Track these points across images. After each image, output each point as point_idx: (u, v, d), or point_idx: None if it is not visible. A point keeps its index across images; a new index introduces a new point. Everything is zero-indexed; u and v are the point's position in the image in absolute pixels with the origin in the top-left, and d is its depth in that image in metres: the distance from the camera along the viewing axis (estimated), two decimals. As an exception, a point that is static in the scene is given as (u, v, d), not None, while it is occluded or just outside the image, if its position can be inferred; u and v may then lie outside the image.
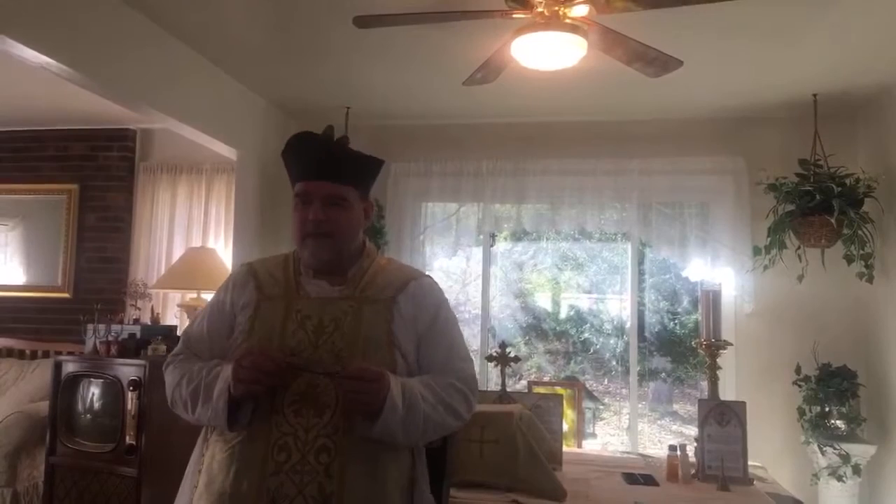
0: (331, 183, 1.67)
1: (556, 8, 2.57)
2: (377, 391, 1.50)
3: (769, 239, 4.03)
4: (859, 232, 3.82)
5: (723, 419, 2.99)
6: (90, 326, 3.72)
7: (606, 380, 6.54)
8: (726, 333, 3.89)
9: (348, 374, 1.51)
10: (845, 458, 3.72)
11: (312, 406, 1.54)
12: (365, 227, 1.79)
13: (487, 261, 5.05)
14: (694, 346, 3.48)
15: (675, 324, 6.41)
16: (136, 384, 3.40)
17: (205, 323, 1.78)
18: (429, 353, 1.71)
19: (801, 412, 3.96)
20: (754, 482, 2.94)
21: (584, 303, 6.71)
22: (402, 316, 1.68)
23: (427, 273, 1.85)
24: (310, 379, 1.55)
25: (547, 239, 6.11)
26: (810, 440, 3.87)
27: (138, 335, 3.70)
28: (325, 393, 1.55)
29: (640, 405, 5.40)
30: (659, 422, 6.49)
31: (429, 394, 1.60)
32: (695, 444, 3.09)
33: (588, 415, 5.86)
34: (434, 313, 1.74)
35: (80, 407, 3.58)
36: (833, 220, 3.75)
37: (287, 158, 1.74)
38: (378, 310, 1.66)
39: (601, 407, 6.45)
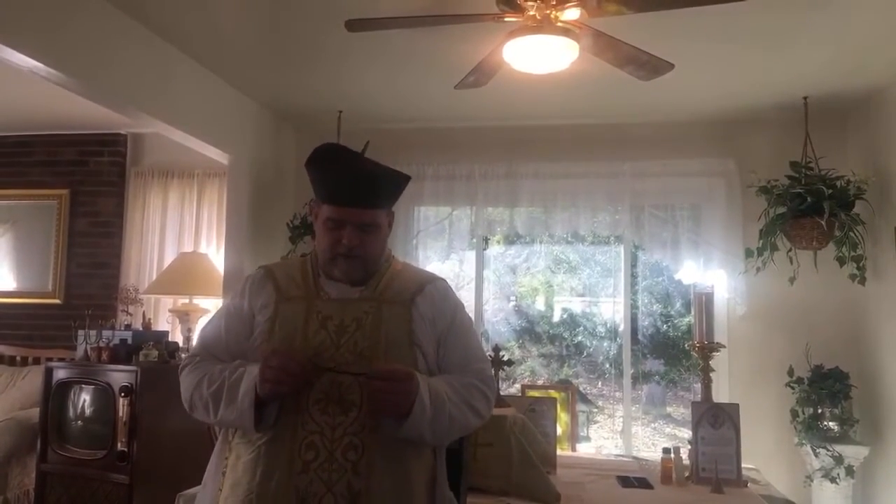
0: (365, 210, 1.66)
1: (548, 11, 2.57)
2: (407, 392, 1.51)
3: (761, 241, 4.04)
4: (850, 234, 3.83)
5: (716, 421, 2.99)
6: (81, 332, 3.71)
7: (600, 383, 6.55)
8: (719, 336, 3.91)
9: (377, 374, 1.52)
10: (838, 459, 3.73)
11: (338, 404, 1.55)
12: (388, 235, 1.79)
13: (480, 264, 5.05)
14: (687, 348, 3.48)
15: (668, 326, 6.42)
16: (127, 390, 3.38)
17: (222, 325, 1.77)
18: (448, 353, 1.73)
19: (794, 414, 3.97)
20: (748, 484, 2.94)
21: (578, 306, 6.72)
22: (422, 317, 1.69)
23: (441, 277, 1.87)
24: (333, 377, 1.56)
25: (540, 242, 6.12)
26: (803, 442, 3.88)
27: (129, 341, 3.68)
28: (349, 391, 1.55)
29: (633, 408, 5.41)
30: (653, 424, 6.49)
31: (453, 394, 1.62)
32: (688, 446, 3.09)
33: (582, 418, 5.86)
34: (452, 315, 1.77)
35: (71, 413, 3.55)
36: (824, 223, 3.76)
37: (315, 173, 1.70)
38: (397, 311, 1.68)
39: (595, 410, 6.46)
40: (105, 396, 3.45)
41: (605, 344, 6.39)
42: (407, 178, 1.76)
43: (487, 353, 3.24)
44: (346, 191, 1.65)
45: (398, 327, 1.66)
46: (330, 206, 1.67)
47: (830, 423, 3.88)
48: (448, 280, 1.87)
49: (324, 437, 1.53)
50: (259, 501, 1.52)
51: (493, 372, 1.85)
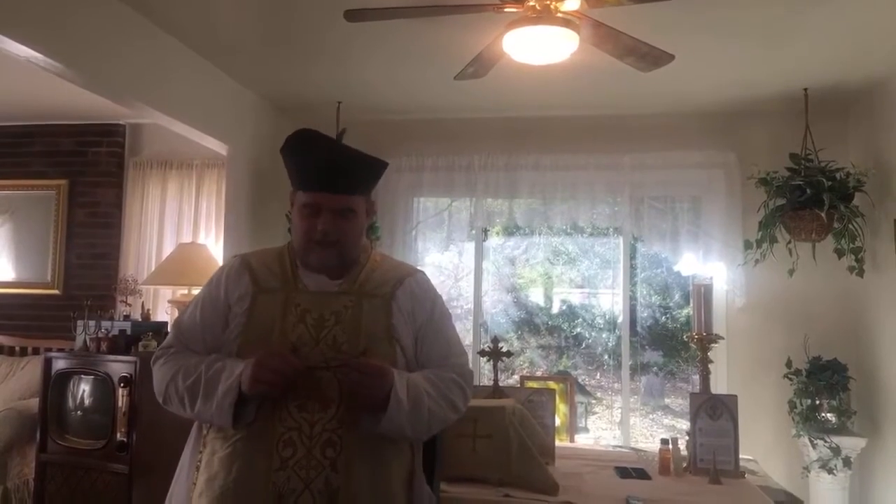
0: (341, 195, 1.65)
1: (548, 2, 2.56)
2: (380, 386, 1.51)
3: (760, 233, 4.04)
4: (850, 226, 3.84)
5: (714, 413, 2.99)
6: (80, 323, 3.70)
7: (599, 374, 6.56)
8: (718, 327, 3.91)
9: (353, 366, 1.52)
10: (836, 450, 3.74)
11: (316, 401, 1.54)
12: (367, 224, 1.79)
13: (480, 255, 5.04)
14: (685, 339, 3.48)
15: (667, 318, 6.43)
16: (126, 380, 3.38)
17: (197, 315, 1.74)
18: (426, 347, 1.72)
19: (792, 405, 3.98)
20: (746, 475, 2.94)
21: (577, 297, 6.73)
22: (401, 311, 1.69)
23: (420, 269, 1.87)
24: (312, 372, 1.55)
25: (539, 233, 6.11)
26: (801, 433, 3.89)
27: (129, 331, 3.67)
28: (328, 387, 1.55)
29: (632, 399, 5.42)
30: (651, 415, 6.51)
31: (431, 389, 1.62)
32: (686, 437, 3.09)
33: (580, 409, 5.88)
34: (431, 309, 1.76)
35: (70, 404, 3.55)
36: (823, 215, 3.76)
37: (290, 160, 1.69)
38: (377, 305, 1.67)
39: (593, 401, 6.47)
40: (104, 387, 3.45)
41: (604, 335, 6.40)
42: (384, 165, 1.75)
43: (486, 345, 3.25)
44: (322, 176, 1.64)
45: (378, 322, 1.64)
46: (306, 193, 1.67)
47: (828, 415, 3.89)
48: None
49: (302, 434, 1.52)
50: (235, 497, 1.51)
51: (470, 365, 1.84)
